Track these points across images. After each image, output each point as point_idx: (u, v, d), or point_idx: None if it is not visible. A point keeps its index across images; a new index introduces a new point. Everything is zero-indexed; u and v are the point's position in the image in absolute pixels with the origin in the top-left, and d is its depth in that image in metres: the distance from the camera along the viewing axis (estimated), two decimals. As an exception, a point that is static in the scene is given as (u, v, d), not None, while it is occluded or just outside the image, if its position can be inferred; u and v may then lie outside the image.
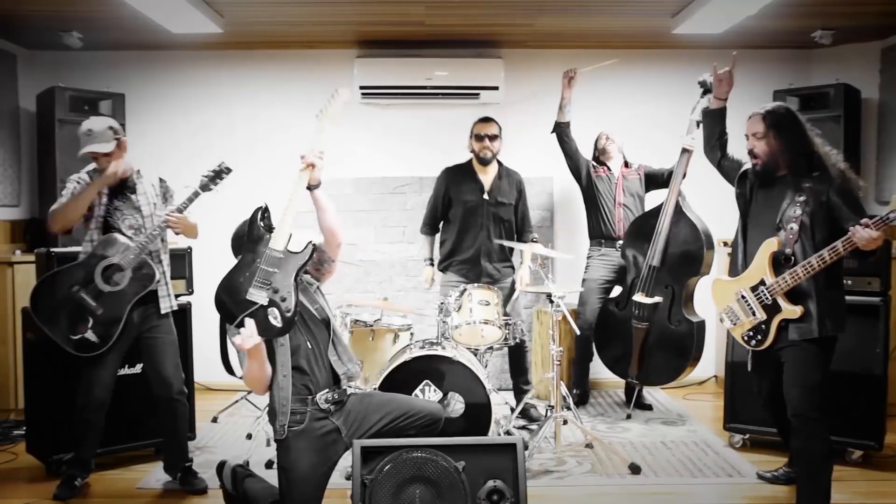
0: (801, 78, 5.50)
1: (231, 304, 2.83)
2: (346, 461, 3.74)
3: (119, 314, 3.45)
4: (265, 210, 2.96)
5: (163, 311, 3.59)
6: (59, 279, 3.44)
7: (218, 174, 3.60)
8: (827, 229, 3.05)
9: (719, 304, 3.36)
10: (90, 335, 3.41)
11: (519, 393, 4.74)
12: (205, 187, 3.58)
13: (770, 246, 3.15)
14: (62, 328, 3.41)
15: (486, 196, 4.63)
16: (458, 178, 4.71)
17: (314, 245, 2.95)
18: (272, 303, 2.80)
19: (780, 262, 3.12)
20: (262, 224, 2.91)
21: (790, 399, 3.13)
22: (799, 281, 3.05)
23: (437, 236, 4.86)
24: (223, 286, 2.85)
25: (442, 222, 4.82)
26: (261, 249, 2.86)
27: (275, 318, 2.80)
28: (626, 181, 4.87)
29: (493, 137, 4.62)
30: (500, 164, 4.75)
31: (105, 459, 3.88)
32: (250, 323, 2.76)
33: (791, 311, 3.09)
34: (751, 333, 3.22)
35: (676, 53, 5.61)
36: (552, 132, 4.87)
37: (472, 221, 4.63)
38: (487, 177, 4.68)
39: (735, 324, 3.29)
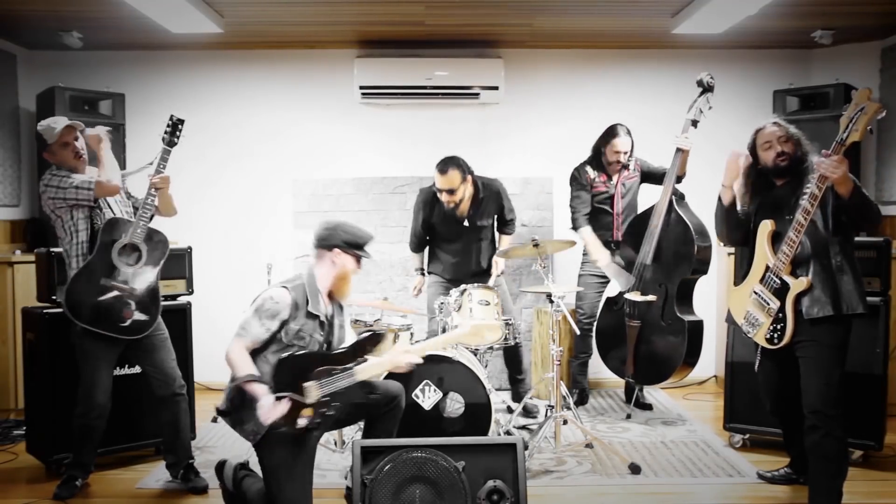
0: (801, 78, 5.51)
1: (285, 375, 2.91)
2: (346, 461, 3.76)
3: (153, 286, 3.51)
4: (379, 336, 3.14)
5: None
6: (83, 280, 3.39)
7: (174, 127, 3.54)
8: (833, 217, 3.06)
9: (738, 313, 3.34)
10: (138, 315, 3.45)
11: (514, 383, 4.79)
12: (170, 143, 3.53)
13: (766, 228, 3.18)
14: (110, 321, 3.40)
15: (465, 224, 4.58)
16: (435, 205, 4.56)
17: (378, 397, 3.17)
18: (321, 404, 2.92)
19: (777, 243, 3.14)
20: (369, 348, 3.09)
21: (808, 395, 3.11)
22: (795, 245, 3.05)
23: (426, 251, 4.87)
24: (290, 360, 2.93)
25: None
26: (349, 363, 3.01)
27: (303, 419, 2.89)
28: (624, 187, 4.83)
29: (451, 192, 4.37)
30: (476, 184, 4.54)
31: (105, 459, 3.88)
32: (285, 404, 2.85)
33: (798, 283, 3.08)
34: (772, 328, 3.18)
35: (676, 53, 5.61)
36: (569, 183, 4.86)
37: (454, 244, 4.64)
38: (464, 204, 4.51)
39: (756, 327, 3.25)
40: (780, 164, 3.21)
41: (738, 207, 3.40)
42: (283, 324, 2.96)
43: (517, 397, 4.80)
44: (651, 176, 4.90)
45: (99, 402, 3.47)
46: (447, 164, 4.39)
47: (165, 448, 3.73)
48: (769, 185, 3.30)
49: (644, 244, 4.52)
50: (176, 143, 3.54)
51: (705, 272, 4.52)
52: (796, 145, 3.21)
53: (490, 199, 4.60)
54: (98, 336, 3.42)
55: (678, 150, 4.49)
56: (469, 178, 4.46)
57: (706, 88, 4.41)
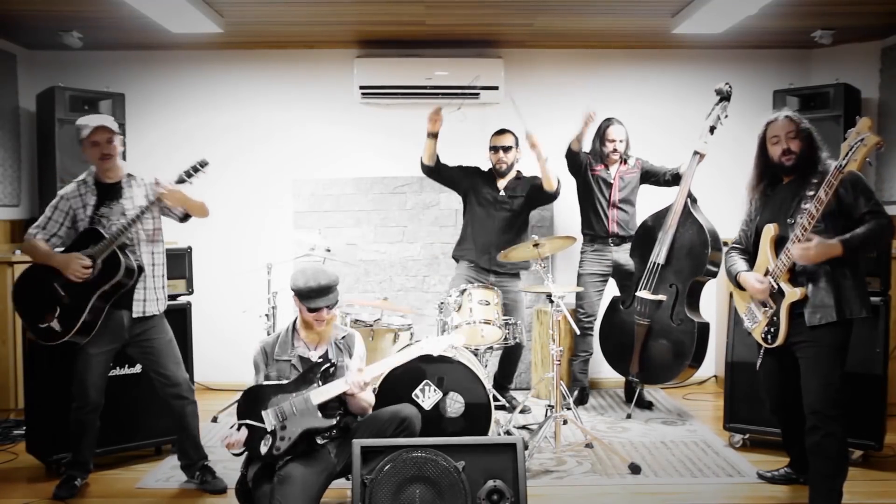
0: (801, 78, 5.51)
1: (246, 405, 3.12)
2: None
3: (82, 304, 3.38)
4: (332, 365, 3.19)
5: (134, 315, 3.50)
6: (39, 271, 3.44)
7: (194, 169, 3.57)
8: (838, 215, 3.06)
9: (741, 307, 3.38)
10: (55, 324, 3.39)
11: (499, 390, 4.79)
12: (179, 180, 3.51)
13: (769, 232, 3.18)
14: (33, 316, 3.43)
15: (501, 193, 4.75)
16: (478, 177, 4.87)
17: (339, 421, 3.15)
18: (273, 433, 3.03)
19: (781, 247, 3.14)
20: (320, 374, 3.15)
21: (808, 395, 3.11)
22: (792, 257, 3.06)
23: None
24: (253, 390, 3.15)
25: (463, 209, 4.95)
26: (302, 389, 3.11)
27: (265, 445, 3.02)
28: (623, 180, 4.87)
29: (506, 149, 4.72)
30: (519, 173, 4.85)
31: (105, 459, 3.88)
32: (244, 433, 3.05)
33: (792, 293, 3.09)
34: (766, 329, 3.21)
35: (676, 53, 5.61)
36: (565, 156, 4.85)
37: (486, 215, 4.74)
38: (504, 181, 4.81)
39: (754, 324, 3.29)
40: (785, 163, 3.19)
41: (748, 203, 3.39)
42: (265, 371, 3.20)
43: (508, 401, 4.84)
44: (651, 176, 4.92)
45: (91, 398, 3.49)
46: (503, 129, 4.81)
47: (178, 449, 3.73)
48: (776, 180, 3.29)
49: (658, 244, 4.57)
50: (184, 182, 3.55)
51: (715, 275, 4.57)
52: (805, 141, 3.16)
53: (526, 181, 4.81)
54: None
55: (695, 152, 4.60)
56: (519, 150, 4.78)
57: (724, 97, 4.58)
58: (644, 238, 4.70)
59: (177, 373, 3.63)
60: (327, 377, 3.15)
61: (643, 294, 4.57)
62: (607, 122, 4.87)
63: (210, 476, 3.64)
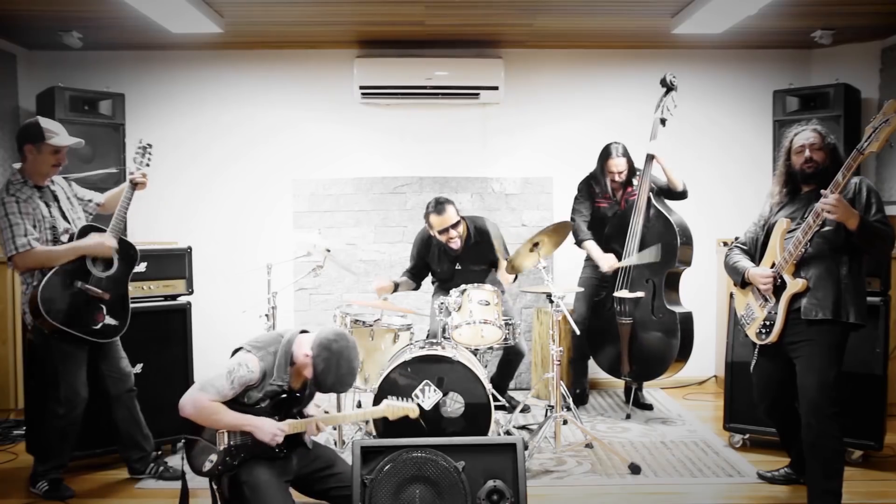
0: (801, 78, 5.51)
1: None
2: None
3: (124, 292, 3.59)
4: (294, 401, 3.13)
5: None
6: (55, 282, 3.40)
7: (142, 153, 3.76)
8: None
9: (741, 305, 3.40)
10: (109, 320, 3.51)
11: (498, 391, 4.73)
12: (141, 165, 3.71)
13: (781, 225, 3.20)
14: (83, 323, 3.44)
15: (458, 267, 4.59)
16: (430, 248, 4.64)
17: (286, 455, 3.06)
18: (221, 454, 3.01)
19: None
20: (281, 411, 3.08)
21: (804, 394, 3.12)
22: (800, 245, 3.08)
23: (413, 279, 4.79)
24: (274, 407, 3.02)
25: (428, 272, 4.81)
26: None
27: (209, 463, 3.00)
28: (627, 203, 4.78)
29: (454, 226, 4.40)
30: (468, 227, 4.56)
31: (105, 459, 3.89)
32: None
33: (794, 283, 3.11)
34: (761, 324, 3.23)
35: (676, 53, 5.61)
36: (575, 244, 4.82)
37: (450, 283, 4.54)
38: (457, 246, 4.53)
39: (751, 323, 3.30)
40: (806, 170, 3.22)
41: (764, 207, 3.40)
42: (248, 389, 2.98)
43: (508, 401, 4.82)
44: (659, 190, 4.77)
45: (83, 396, 3.52)
46: (439, 203, 4.41)
47: (129, 445, 3.73)
48: (797, 190, 3.30)
49: (628, 243, 4.58)
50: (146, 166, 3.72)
51: (689, 264, 4.62)
52: (829, 155, 3.19)
53: (483, 244, 4.53)
54: (70, 337, 3.43)
55: (648, 156, 4.58)
56: (462, 222, 4.48)
57: (670, 87, 4.60)
58: (614, 237, 4.69)
59: (127, 367, 3.71)
60: (285, 414, 3.05)
61: (622, 293, 4.58)
62: (607, 153, 4.73)
63: (164, 465, 3.70)
